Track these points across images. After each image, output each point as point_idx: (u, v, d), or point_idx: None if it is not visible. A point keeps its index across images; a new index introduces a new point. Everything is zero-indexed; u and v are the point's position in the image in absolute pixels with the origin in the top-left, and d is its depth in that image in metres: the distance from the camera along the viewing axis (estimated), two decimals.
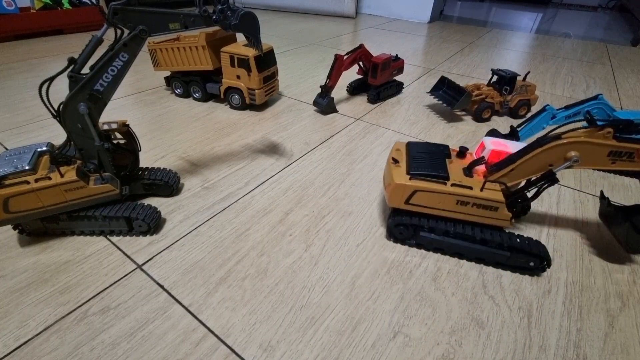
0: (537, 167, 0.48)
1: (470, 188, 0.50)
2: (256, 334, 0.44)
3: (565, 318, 0.47)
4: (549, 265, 0.52)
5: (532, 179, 0.51)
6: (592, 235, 0.61)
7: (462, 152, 0.57)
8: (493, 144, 0.53)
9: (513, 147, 0.52)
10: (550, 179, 0.48)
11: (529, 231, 0.61)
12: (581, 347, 0.44)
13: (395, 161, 0.55)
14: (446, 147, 0.58)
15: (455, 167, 0.54)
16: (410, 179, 0.52)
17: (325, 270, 0.53)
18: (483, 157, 0.53)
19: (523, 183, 0.52)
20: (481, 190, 0.50)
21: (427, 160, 0.55)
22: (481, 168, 0.54)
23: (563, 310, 0.48)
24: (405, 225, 0.55)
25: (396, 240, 0.58)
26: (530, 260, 0.51)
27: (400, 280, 0.51)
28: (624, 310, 0.49)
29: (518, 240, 0.51)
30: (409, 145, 0.59)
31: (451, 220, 0.54)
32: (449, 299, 0.49)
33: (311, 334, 0.44)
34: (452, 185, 0.50)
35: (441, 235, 0.54)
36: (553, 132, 0.48)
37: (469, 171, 0.53)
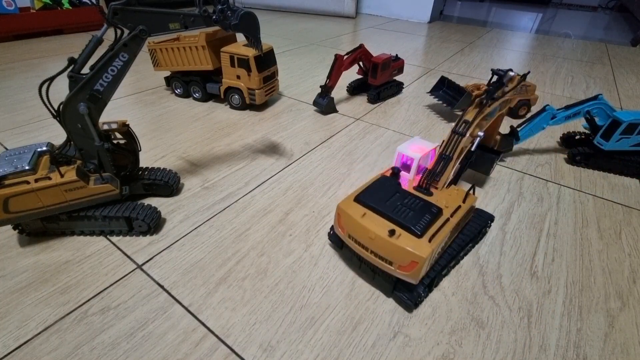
0: (461, 154, 0.54)
1: (459, 207, 0.49)
2: (256, 334, 0.44)
3: (565, 318, 0.47)
4: (492, 220, 0.60)
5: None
6: (592, 235, 0.61)
7: (397, 173, 0.53)
8: (417, 151, 0.53)
9: (425, 145, 0.55)
10: (469, 157, 0.58)
11: (530, 231, 0.61)
12: (581, 347, 0.44)
13: (392, 232, 0.43)
14: (386, 177, 0.53)
15: (414, 192, 0.50)
16: (429, 241, 0.43)
17: (325, 270, 0.53)
18: (427, 169, 0.52)
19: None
20: (464, 202, 0.50)
21: (405, 206, 0.46)
22: (418, 177, 0.53)
23: (563, 310, 0.48)
24: (424, 288, 0.47)
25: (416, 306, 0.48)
26: (487, 226, 0.59)
27: None
28: (624, 310, 0.49)
29: (480, 217, 0.58)
30: (360, 199, 0.49)
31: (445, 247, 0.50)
32: (449, 299, 0.49)
33: (311, 334, 0.44)
34: (451, 215, 0.47)
35: (445, 266, 0.50)
36: (462, 118, 0.54)
37: (427, 190, 0.50)
